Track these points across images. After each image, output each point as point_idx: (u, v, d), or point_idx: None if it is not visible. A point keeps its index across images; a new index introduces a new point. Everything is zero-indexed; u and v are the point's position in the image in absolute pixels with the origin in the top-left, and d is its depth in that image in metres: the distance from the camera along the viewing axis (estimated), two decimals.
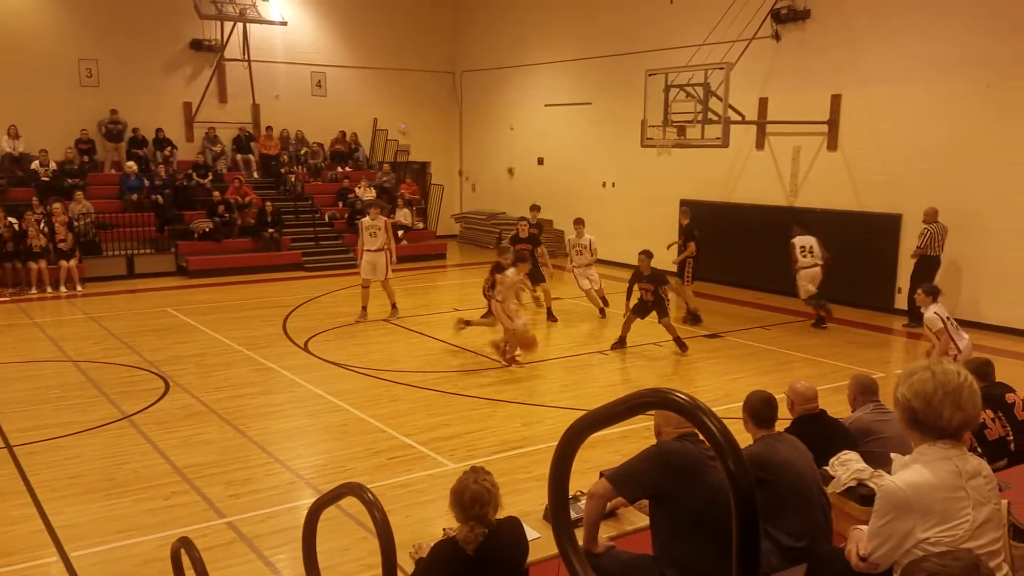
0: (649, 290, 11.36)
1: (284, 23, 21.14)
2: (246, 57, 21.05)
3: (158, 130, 20.24)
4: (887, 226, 14.20)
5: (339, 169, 22.27)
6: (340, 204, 21.12)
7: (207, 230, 18.52)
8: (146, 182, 19.04)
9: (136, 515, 6.36)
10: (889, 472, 3.25)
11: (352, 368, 10.62)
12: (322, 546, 4.99)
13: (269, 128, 21.61)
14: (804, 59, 15.37)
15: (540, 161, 22.12)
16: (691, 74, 14.17)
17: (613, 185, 19.78)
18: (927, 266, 12.93)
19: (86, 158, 19.35)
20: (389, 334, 12.65)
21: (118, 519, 6.29)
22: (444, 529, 4.49)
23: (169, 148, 20.24)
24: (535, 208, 15.27)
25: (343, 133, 22.87)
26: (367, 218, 13.53)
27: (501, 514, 3.80)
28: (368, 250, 13.26)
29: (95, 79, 19.72)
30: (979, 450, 5.38)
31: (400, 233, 20.70)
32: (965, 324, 13.08)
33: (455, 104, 24.89)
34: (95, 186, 18.86)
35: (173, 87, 20.79)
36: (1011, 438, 5.78)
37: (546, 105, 21.55)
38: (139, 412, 8.84)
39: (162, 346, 11.76)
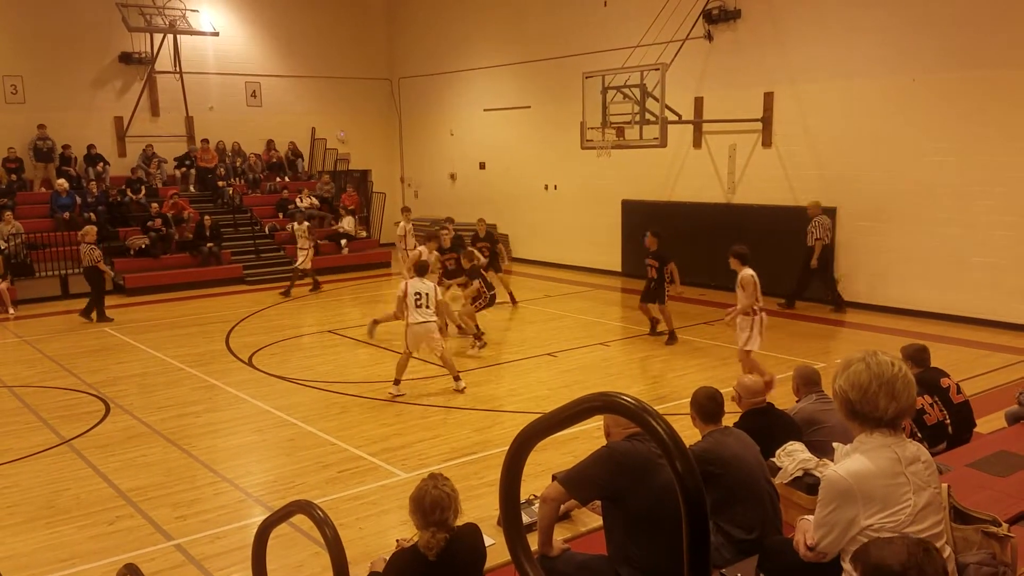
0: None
1: (216, 34, 20.81)
2: (177, 69, 20.64)
3: (90, 146, 19.76)
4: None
5: (277, 180, 22.01)
6: (280, 215, 20.86)
7: (143, 246, 18.14)
8: (78, 199, 18.57)
9: (79, 542, 6.18)
10: (833, 460, 3.32)
11: (298, 381, 10.49)
12: (275, 563, 4.92)
13: (205, 140, 21.25)
14: (737, 58, 15.65)
15: (482, 166, 22.14)
16: (627, 76, 14.33)
17: (555, 187, 19.89)
18: (824, 254, 13.92)
19: (14, 176, 18.80)
20: (334, 345, 12.53)
21: (60, 547, 6.11)
22: (397, 540, 4.47)
23: (101, 164, 19.78)
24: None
25: (271, 142, 22.57)
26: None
27: (458, 521, 3.80)
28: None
29: (20, 95, 19.17)
30: (919, 435, 5.53)
31: (343, 242, 20.59)
32: (897, 311, 13.49)
33: (394, 111, 24.78)
34: (25, 205, 18.32)
35: (103, 102, 20.30)
36: (948, 422, 5.94)
37: (485, 110, 21.58)
38: (79, 436, 8.60)
39: (101, 367, 11.47)
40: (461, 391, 9.71)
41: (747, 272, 9.04)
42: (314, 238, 17.84)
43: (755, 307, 9.03)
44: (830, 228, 14.00)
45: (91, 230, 15.02)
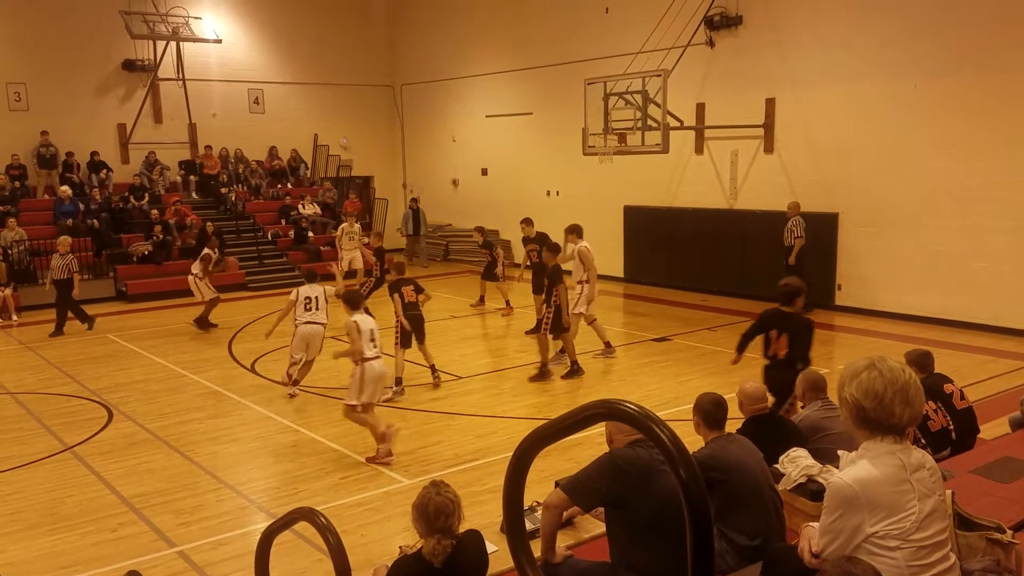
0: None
1: (219, 41, 20.86)
2: (180, 76, 20.71)
3: (93, 153, 19.81)
4: (825, 225, 14.50)
5: (280, 186, 22.05)
6: (283, 222, 20.90)
7: (146, 253, 18.16)
8: (81, 206, 18.61)
9: (82, 549, 6.18)
10: (837, 467, 3.32)
11: (301, 387, 10.48)
12: (277, 570, 4.91)
13: (208, 147, 21.30)
14: (738, 64, 15.66)
15: (484, 172, 22.15)
16: (629, 82, 14.34)
17: (557, 193, 19.89)
18: (801, 253, 14.04)
19: (17, 184, 18.84)
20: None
21: (63, 554, 6.10)
22: (400, 547, 4.46)
23: (104, 171, 19.83)
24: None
25: (274, 149, 22.60)
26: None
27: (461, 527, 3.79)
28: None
29: (24, 103, 19.22)
30: (923, 441, 5.51)
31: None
32: (898, 316, 13.46)
33: (396, 117, 24.82)
34: (28, 212, 18.35)
35: (106, 109, 20.36)
36: (952, 428, 5.93)
37: (488, 116, 21.61)
38: (82, 443, 8.60)
39: (103, 374, 11.47)
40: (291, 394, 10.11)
41: (351, 320, 7.98)
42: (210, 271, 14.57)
43: (358, 358, 7.89)
44: (806, 228, 14.09)
45: (66, 240, 14.82)
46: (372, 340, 8.00)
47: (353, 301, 8.29)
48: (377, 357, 7.97)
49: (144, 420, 9.31)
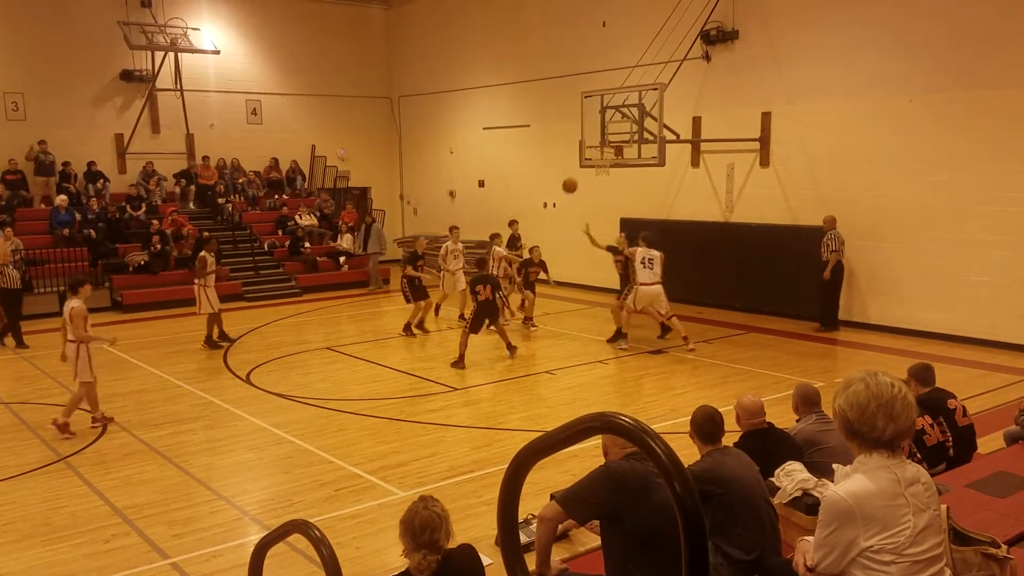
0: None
1: (217, 52, 20.91)
2: (178, 87, 20.75)
3: (90, 163, 19.82)
4: (820, 238, 14.50)
5: (276, 197, 22.07)
6: (280, 232, 20.91)
7: (142, 263, 18.15)
8: (78, 216, 18.60)
9: (75, 560, 6.15)
10: (833, 481, 3.32)
11: (296, 399, 10.47)
12: None
13: (206, 158, 21.32)
14: (734, 78, 15.73)
15: (481, 183, 22.19)
16: (626, 95, 14.40)
17: (554, 205, 19.93)
18: (838, 268, 13.73)
19: (11, 191, 18.82)
20: (333, 362, 12.51)
21: (56, 565, 6.08)
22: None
23: (101, 181, 19.83)
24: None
25: (275, 160, 22.65)
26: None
27: (454, 541, 3.77)
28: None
29: (21, 112, 19.24)
30: (918, 455, 5.51)
31: (342, 259, 20.62)
32: (895, 330, 13.48)
33: (394, 129, 24.87)
34: (24, 221, 18.33)
35: (104, 119, 20.39)
36: (950, 444, 5.90)
37: (485, 128, 21.66)
38: (76, 453, 8.57)
39: (98, 384, 11.37)
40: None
41: (76, 304, 9.40)
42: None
43: (72, 338, 9.43)
44: (843, 242, 13.80)
45: (4, 251, 14.55)
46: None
47: (71, 287, 9.64)
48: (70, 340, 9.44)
49: (138, 431, 9.28)
